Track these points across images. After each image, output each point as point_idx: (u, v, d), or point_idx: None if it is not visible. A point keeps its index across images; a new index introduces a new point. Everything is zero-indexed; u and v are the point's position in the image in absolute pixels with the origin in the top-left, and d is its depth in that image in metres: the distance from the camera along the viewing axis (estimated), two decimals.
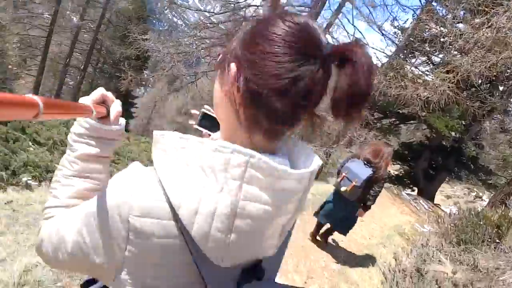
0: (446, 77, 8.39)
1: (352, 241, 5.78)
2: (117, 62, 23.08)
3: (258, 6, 15.55)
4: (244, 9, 15.41)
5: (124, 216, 0.54)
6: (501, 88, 12.54)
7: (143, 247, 0.55)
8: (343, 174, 3.76)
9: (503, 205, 10.02)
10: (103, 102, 0.72)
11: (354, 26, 13.47)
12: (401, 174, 15.83)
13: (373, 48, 13.00)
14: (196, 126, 1.01)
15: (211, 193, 0.53)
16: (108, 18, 22.56)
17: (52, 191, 0.72)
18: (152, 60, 18.01)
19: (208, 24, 15.74)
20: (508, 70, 11.40)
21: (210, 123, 0.99)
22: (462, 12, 10.93)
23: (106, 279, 0.62)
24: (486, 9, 8.54)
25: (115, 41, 22.09)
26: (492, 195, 12.57)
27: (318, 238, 4.56)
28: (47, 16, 21.37)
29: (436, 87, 8.60)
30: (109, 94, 0.73)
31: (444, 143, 13.16)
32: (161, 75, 16.03)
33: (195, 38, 15.56)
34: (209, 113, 0.99)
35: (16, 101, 0.40)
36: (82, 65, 22.69)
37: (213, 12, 16.44)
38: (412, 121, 14.11)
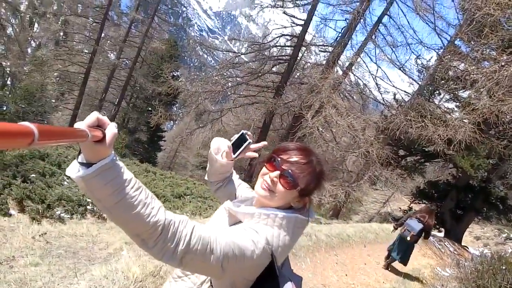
0: (467, 118, 8.38)
1: (364, 284, 5.68)
2: (149, 97, 24.47)
3: (282, 47, 16.32)
4: (268, 49, 16.23)
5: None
6: None
7: None
8: (405, 227, 6.38)
9: None
10: (98, 125, 0.76)
11: (377, 64, 13.81)
12: None
13: (394, 87, 13.18)
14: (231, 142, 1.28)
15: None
16: (142, 56, 24.21)
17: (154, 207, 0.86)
18: (181, 96, 19.03)
19: (234, 64, 16.65)
20: None
21: (237, 143, 1.27)
22: (487, 50, 10.98)
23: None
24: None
25: (148, 79, 23.57)
26: None
27: (385, 263, 6.92)
28: (86, 52, 23.12)
29: (457, 127, 8.57)
30: (104, 118, 0.78)
31: (471, 183, 12.73)
32: (189, 112, 16.89)
33: (221, 76, 16.41)
34: (245, 135, 1.28)
35: (8, 130, 0.39)
36: (117, 100, 24.21)
37: (239, 53, 17.38)
38: (437, 160, 13.83)
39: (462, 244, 13.36)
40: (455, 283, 6.88)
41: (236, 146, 1.27)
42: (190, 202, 9.45)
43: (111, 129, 0.78)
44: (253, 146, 1.30)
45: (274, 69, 16.44)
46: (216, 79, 16.11)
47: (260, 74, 15.90)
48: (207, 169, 1.41)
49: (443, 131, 8.95)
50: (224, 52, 18.15)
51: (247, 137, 1.27)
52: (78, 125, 0.71)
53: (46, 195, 4.94)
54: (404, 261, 6.59)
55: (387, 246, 7.10)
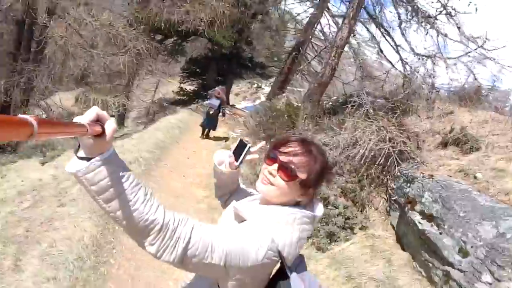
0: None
1: (197, 174, 6.55)
2: None
3: None
4: None
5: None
6: None
7: None
8: (209, 106, 8.96)
9: (282, 92, 12.72)
10: (97, 120, 0.76)
11: None
12: (197, 89, 16.83)
13: None
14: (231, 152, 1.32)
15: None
16: None
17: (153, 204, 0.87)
18: None
19: None
20: None
21: (237, 151, 1.31)
22: None
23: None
24: None
25: None
26: (271, 84, 15.54)
27: (204, 137, 9.32)
28: None
29: (217, 9, 9.14)
30: (104, 113, 0.78)
31: (225, 52, 14.63)
32: None
33: None
34: (243, 141, 1.31)
35: (7, 122, 0.40)
36: None
37: None
38: (192, 37, 14.65)
39: (231, 103, 16.12)
40: (249, 138, 8.67)
41: (237, 153, 1.30)
42: None
43: (111, 124, 0.78)
44: (253, 149, 1.32)
45: None
46: None
47: None
48: (214, 186, 1.46)
49: (206, 14, 9.33)
50: None
51: (245, 142, 1.31)
52: (78, 119, 0.71)
53: None
54: (214, 127, 9.29)
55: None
